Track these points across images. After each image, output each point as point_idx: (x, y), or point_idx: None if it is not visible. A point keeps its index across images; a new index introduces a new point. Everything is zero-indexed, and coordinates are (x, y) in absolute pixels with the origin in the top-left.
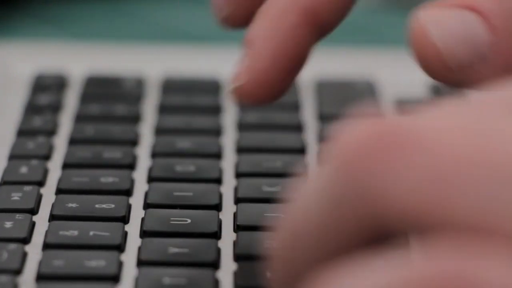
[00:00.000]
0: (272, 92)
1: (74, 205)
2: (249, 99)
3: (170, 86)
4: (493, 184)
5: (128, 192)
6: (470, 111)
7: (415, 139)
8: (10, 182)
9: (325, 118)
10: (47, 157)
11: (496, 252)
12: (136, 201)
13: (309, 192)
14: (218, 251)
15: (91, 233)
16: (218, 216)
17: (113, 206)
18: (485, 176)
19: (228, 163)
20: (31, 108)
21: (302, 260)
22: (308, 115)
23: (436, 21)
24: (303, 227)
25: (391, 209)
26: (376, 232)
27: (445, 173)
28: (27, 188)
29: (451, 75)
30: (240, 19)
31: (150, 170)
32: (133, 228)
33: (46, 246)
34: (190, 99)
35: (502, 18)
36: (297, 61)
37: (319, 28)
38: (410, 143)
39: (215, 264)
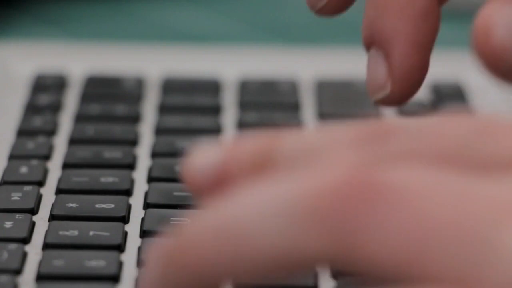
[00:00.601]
0: (417, 86)
1: (74, 205)
2: (397, 103)
3: (170, 86)
4: (469, 248)
5: (128, 192)
6: (451, 170)
7: (399, 195)
8: (10, 182)
9: (325, 118)
10: (47, 157)
11: None
12: (136, 201)
13: (261, 206)
14: None
15: (91, 233)
16: None
17: (113, 206)
18: (460, 239)
19: None
20: (31, 108)
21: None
22: (308, 115)
23: (503, 19)
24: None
25: (368, 259)
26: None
27: (424, 233)
28: (27, 188)
29: None
30: (336, 7)
31: (150, 170)
32: (133, 228)
33: (46, 246)
34: (190, 99)
35: None
36: (432, 41)
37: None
38: (394, 198)
39: None
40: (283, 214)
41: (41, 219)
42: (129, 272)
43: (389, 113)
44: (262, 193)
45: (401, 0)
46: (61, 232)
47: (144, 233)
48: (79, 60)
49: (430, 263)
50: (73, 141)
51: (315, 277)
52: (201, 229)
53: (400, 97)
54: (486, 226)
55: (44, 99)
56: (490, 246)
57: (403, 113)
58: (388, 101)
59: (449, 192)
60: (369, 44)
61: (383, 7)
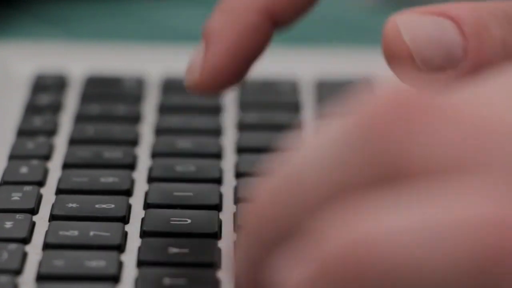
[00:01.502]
0: (225, 85)
1: (74, 205)
2: (203, 91)
3: (170, 86)
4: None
5: (128, 192)
6: (490, 92)
7: (440, 111)
8: (10, 182)
9: (325, 118)
10: (47, 157)
11: None
12: (136, 201)
13: (321, 140)
14: (219, 251)
15: (91, 233)
16: (218, 216)
17: (113, 206)
18: (502, 143)
19: (228, 163)
20: (31, 108)
21: (293, 208)
22: (308, 115)
23: (411, 24)
24: (306, 172)
25: (411, 170)
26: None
27: (464, 138)
28: (27, 188)
29: (419, 77)
30: (207, 87)
31: (150, 170)
32: (133, 228)
33: (46, 246)
34: (190, 99)
35: (473, 25)
36: (254, 56)
37: (276, 26)
38: (435, 114)
39: (215, 264)
40: (327, 153)
41: (41, 219)
42: (129, 272)
43: None
44: (314, 139)
45: (236, 7)
46: (61, 232)
47: (144, 233)
48: (79, 60)
49: (474, 164)
50: (73, 141)
51: None
52: (269, 187)
53: (204, 88)
54: None
55: (44, 99)
56: None
57: None
58: (194, 87)
59: (488, 101)
60: (202, 34)
61: (222, 7)
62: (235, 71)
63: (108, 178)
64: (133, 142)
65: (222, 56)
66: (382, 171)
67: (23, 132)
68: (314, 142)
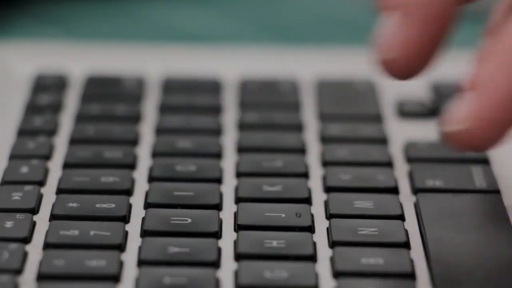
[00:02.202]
0: (425, 65)
1: (74, 204)
2: (401, 73)
3: (170, 86)
4: None
5: (129, 192)
6: None
7: None
8: (10, 182)
9: (325, 118)
10: (47, 157)
11: None
12: (137, 200)
13: None
14: (219, 250)
15: (92, 232)
16: (219, 215)
17: (113, 205)
18: None
19: (228, 163)
20: (32, 108)
21: None
22: (308, 115)
23: None
24: None
25: None
26: None
27: None
28: (28, 187)
29: None
30: (405, 68)
31: (151, 170)
32: (133, 228)
33: (47, 245)
34: (190, 99)
35: None
36: (444, 38)
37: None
38: None
39: (215, 264)
40: None
41: (42, 219)
42: (129, 272)
43: (389, 114)
44: None
45: None
46: (61, 232)
47: (145, 233)
48: (79, 60)
49: None
50: (74, 141)
51: (316, 277)
52: None
53: (403, 66)
54: None
55: (44, 99)
56: None
57: (403, 114)
58: (392, 66)
59: None
60: (394, 7)
61: None
62: (432, 50)
63: (108, 178)
64: (133, 142)
65: (422, 31)
66: None
67: (24, 132)
68: None
